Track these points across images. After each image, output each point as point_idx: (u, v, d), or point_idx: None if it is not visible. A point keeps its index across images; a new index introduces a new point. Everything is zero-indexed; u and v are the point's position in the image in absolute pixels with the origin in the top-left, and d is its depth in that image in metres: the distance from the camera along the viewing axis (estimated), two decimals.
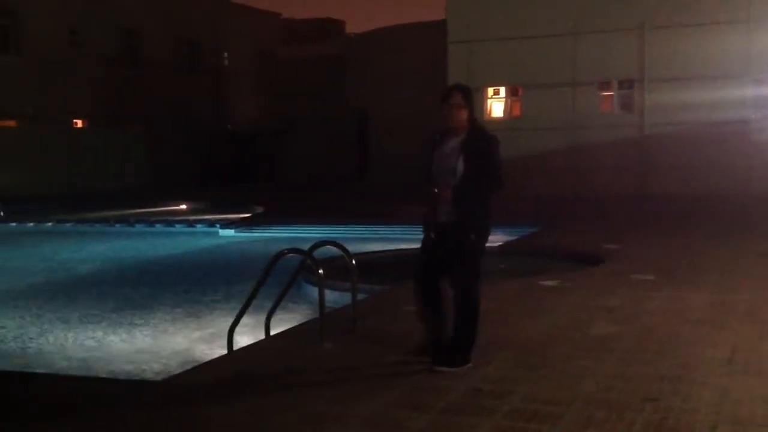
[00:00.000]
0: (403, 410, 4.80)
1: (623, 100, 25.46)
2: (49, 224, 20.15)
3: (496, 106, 27.11)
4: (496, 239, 14.42)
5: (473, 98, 5.65)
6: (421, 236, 5.76)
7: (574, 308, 7.67)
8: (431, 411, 4.76)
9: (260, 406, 4.97)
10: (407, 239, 12.54)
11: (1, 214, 21.68)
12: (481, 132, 5.60)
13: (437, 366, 5.47)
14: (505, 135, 26.72)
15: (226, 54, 42.61)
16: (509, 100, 26.92)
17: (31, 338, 8.43)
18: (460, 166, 5.43)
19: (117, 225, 19.40)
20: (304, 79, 40.76)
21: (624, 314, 7.35)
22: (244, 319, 6.66)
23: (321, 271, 6.52)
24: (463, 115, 5.51)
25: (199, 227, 18.55)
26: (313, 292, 8.51)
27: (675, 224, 15.56)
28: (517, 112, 26.77)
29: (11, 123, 31.67)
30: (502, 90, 26.95)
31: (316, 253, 6.89)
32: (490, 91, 26.89)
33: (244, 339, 6.95)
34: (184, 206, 24.77)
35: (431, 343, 5.71)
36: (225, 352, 6.51)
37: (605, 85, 25.57)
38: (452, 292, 5.63)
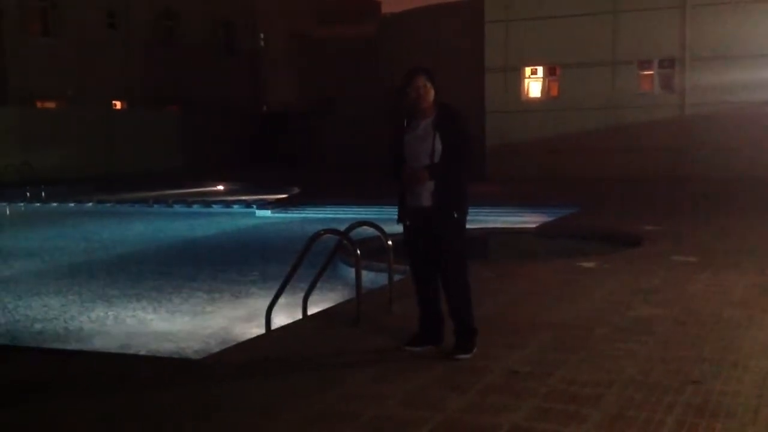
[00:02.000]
0: (440, 390, 4.80)
1: (664, 80, 25.06)
2: (89, 205, 20.42)
3: (533, 86, 26.84)
4: (533, 220, 14.36)
5: (435, 78, 5.56)
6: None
7: (613, 290, 7.60)
8: (469, 392, 4.75)
9: (299, 385, 5.00)
10: None
11: (43, 194, 22.02)
12: (450, 109, 5.55)
13: (457, 355, 5.42)
14: (543, 115, 26.78)
15: (262, 35, 42.68)
16: (547, 80, 26.63)
17: (72, 317, 8.55)
18: (438, 144, 5.38)
19: (155, 205, 19.59)
20: (339, 59, 40.70)
21: (664, 296, 7.26)
22: (282, 299, 6.68)
23: (358, 252, 6.51)
24: (431, 95, 5.49)
25: (235, 208, 18.67)
26: (350, 272, 8.52)
27: (716, 205, 15.32)
28: (555, 92, 26.48)
29: (51, 105, 32.09)
30: (540, 70, 26.66)
31: (353, 233, 6.89)
32: (528, 70, 26.63)
33: (281, 319, 6.98)
34: (221, 187, 24.95)
35: (425, 331, 5.68)
36: (263, 331, 6.55)
37: (645, 65, 25.17)
38: (441, 276, 5.57)
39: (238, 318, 8.24)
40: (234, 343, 6.53)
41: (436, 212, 5.42)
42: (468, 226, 5.62)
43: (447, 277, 5.54)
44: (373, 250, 8.34)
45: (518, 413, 4.38)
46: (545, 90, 26.69)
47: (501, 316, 6.65)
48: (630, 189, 19.38)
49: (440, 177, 5.38)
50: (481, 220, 13.91)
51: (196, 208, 19.01)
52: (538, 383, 4.86)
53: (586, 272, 8.55)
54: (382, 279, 7.59)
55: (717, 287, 7.62)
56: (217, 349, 6.40)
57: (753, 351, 5.48)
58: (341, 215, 15.24)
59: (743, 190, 18.22)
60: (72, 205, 20.58)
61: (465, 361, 5.34)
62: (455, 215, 5.45)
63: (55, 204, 20.84)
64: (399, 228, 5.77)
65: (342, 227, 6.98)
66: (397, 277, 7.22)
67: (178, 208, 19.15)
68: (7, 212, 20.45)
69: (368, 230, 7.20)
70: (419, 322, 5.74)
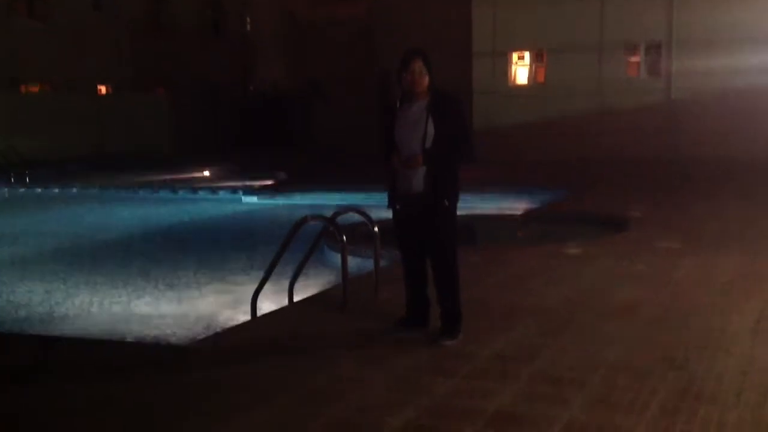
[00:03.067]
0: (426, 375, 4.82)
1: (650, 65, 25.10)
2: (74, 190, 20.30)
3: (520, 71, 26.84)
4: (519, 206, 14.40)
5: (431, 62, 5.45)
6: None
7: (598, 275, 7.63)
8: (455, 376, 4.77)
9: (286, 369, 5.01)
10: None
11: (27, 179, 21.87)
12: (445, 93, 5.48)
13: (443, 341, 5.42)
14: (530, 101, 26.70)
15: (248, 18, 42.42)
16: (534, 65, 26.62)
17: (57, 302, 8.52)
18: (431, 129, 5.30)
19: (141, 191, 19.49)
20: (329, 42, 40.49)
21: (649, 281, 7.30)
22: (268, 286, 6.68)
23: (344, 238, 6.51)
24: (426, 79, 5.38)
25: (221, 194, 18.60)
26: (336, 258, 8.50)
27: (702, 190, 15.40)
28: (541, 78, 26.49)
29: (35, 88, 31.82)
30: (527, 55, 26.65)
31: (340, 219, 6.88)
32: (515, 56, 26.61)
33: (267, 305, 6.98)
34: (207, 173, 24.83)
35: (412, 314, 5.70)
36: (249, 318, 6.55)
37: (632, 49, 25.20)
38: (431, 261, 5.56)
39: (225, 304, 8.23)
40: (220, 329, 6.53)
41: (428, 198, 5.39)
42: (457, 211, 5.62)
43: (437, 262, 5.54)
44: (360, 236, 8.34)
45: (503, 397, 4.41)
46: (532, 75, 26.69)
47: (487, 300, 6.67)
48: (617, 173, 19.44)
49: (434, 162, 5.34)
50: (468, 204, 13.91)
51: (181, 194, 18.92)
52: (524, 367, 4.89)
53: (572, 257, 8.58)
54: (368, 265, 7.59)
55: (701, 272, 7.67)
56: (203, 335, 6.39)
57: (736, 336, 5.52)
58: (329, 201, 15.19)
59: (729, 175, 18.31)
60: (57, 190, 20.46)
61: (451, 346, 5.36)
62: (446, 202, 5.43)
63: (39, 189, 20.71)
64: (386, 214, 5.76)
65: (329, 213, 6.97)
66: (383, 263, 7.23)
67: (163, 193, 19.06)
68: None
69: (355, 216, 7.19)
70: (406, 305, 5.75)
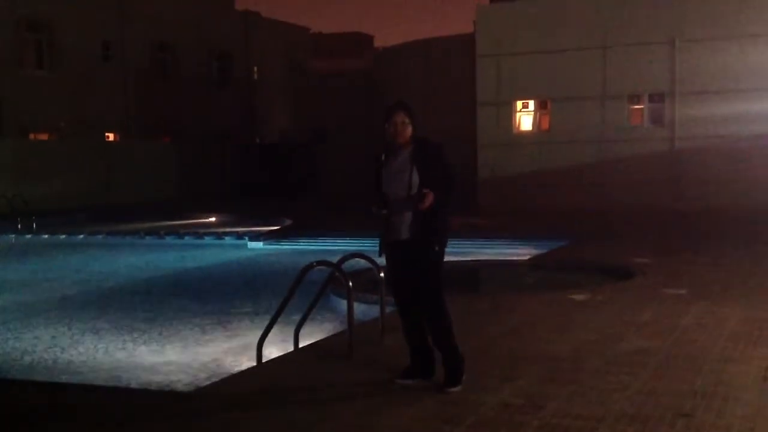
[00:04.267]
0: (433, 423, 4.79)
1: (653, 114, 25.25)
2: (81, 236, 20.35)
3: (524, 119, 27.02)
4: (525, 252, 14.39)
5: (414, 114, 5.60)
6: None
7: (605, 323, 7.60)
8: (461, 425, 4.74)
9: (292, 418, 4.98)
10: None
11: (34, 226, 21.96)
12: (427, 141, 5.59)
13: (447, 388, 5.39)
14: (534, 148, 26.87)
15: (256, 68, 42.91)
16: (538, 114, 26.82)
17: (62, 348, 8.50)
18: (415, 177, 5.41)
19: (147, 237, 19.54)
20: (334, 92, 40.94)
21: (656, 329, 7.27)
22: (273, 332, 6.67)
23: (350, 284, 6.51)
24: (409, 130, 5.53)
25: (227, 239, 18.64)
26: (342, 304, 8.51)
27: (707, 239, 15.38)
28: (546, 125, 26.65)
29: (44, 136, 32.10)
30: (531, 103, 26.87)
31: (345, 265, 6.90)
32: (519, 104, 26.83)
33: (273, 351, 6.96)
34: (213, 219, 24.91)
35: (415, 364, 5.67)
36: (254, 364, 6.52)
37: (635, 99, 25.38)
38: (422, 310, 5.57)
39: (229, 350, 8.20)
40: (225, 375, 6.50)
41: (414, 245, 5.44)
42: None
43: (425, 309, 5.55)
44: (366, 282, 8.34)
45: None
46: (536, 123, 26.87)
47: (494, 347, 6.64)
48: (621, 221, 19.44)
49: (422, 209, 5.34)
50: (473, 252, 13.94)
51: (187, 239, 18.97)
52: (531, 416, 4.85)
53: (579, 305, 8.56)
54: (374, 311, 7.58)
55: (708, 320, 7.63)
56: (207, 382, 6.37)
57: (744, 384, 5.48)
58: (334, 247, 15.22)
59: (734, 223, 18.30)
60: (63, 236, 20.52)
61: (457, 394, 5.33)
62: (436, 248, 5.46)
63: (46, 236, 20.77)
64: None
65: (335, 259, 6.98)
66: (389, 309, 7.21)
67: (169, 239, 19.10)
68: None
69: (361, 262, 7.20)
70: (410, 355, 5.74)
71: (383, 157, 5.62)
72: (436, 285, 5.52)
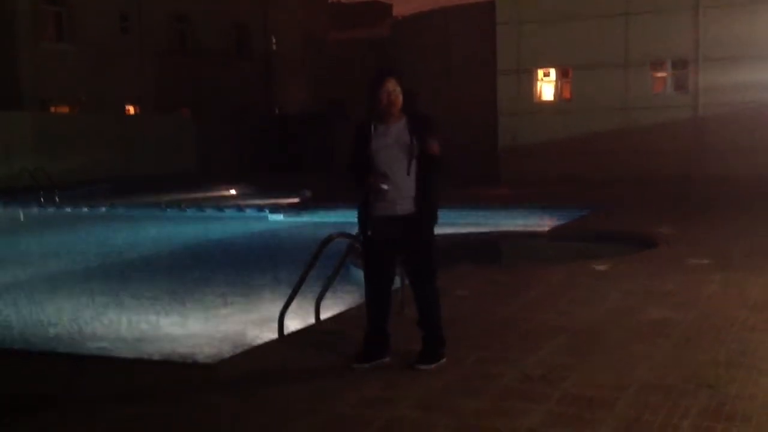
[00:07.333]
0: (454, 395, 4.79)
1: (677, 81, 24.94)
2: (103, 209, 20.48)
3: (546, 88, 26.77)
4: (546, 223, 14.32)
5: (404, 83, 5.35)
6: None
7: (627, 293, 7.56)
8: (482, 396, 4.73)
9: (314, 389, 5.00)
10: (457, 223, 12.49)
11: (57, 199, 22.11)
12: (422, 114, 5.39)
13: (421, 365, 5.29)
14: (556, 117, 26.60)
15: (274, 39, 42.75)
16: (560, 82, 26.55)
17: (86, 321, 8.57)
18: (416, 150, 5.19)
19: (168, 210, 19.63)
20: (352, 62, 40.71)
21: (679, 299, 7.22)
22: (294, 304, 6.68)
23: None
24: (400, 100, 5.26)
25: (248, 212, 18.68)
26: (361, 275, 8.49)
27: (730, 207, 15.23)
28: (567, 94, 26.39)
29: (64, 110, 32.23)
30: (552, 72, 26.60)
31: None
32: (540, 72, 26.56)
33: (294, 323, 6.98)
34: (233, 191, 24.97)
35: (373, 346, 5.50)
36: (276, 336, 6.55)
37: (658, 66, 25.06)
38: (412, 284, 5.48)
39: (251, 322, 8.23)
40: (248, 347, 6.53)
41: (418, 220, 5.28)
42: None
43: (420, 285, 5.44)
44: None
45: (532, 418, 4.37)
46: (558, 92, 26.61)
47: (515, 320, 6.62)
48: (644, 190, 19.29)
49: (423, 182, 5.25)
50: (494, 222, 13.88)
51: (209, 212, 19.04)
52: (553, 387, 4.84)
53: (600, 275, 8.51)
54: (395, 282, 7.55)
55: (732, 290, 7.57)
56: (230, 354, 6.40)
57: None
58: (354, 219, 15.19)
59: (757, 191, 18.10)
60: (85, 209, 20.65)
61: (478, 366, 5.32)
62: (435, 222, 5.37)
63: (68, 209, 20.91)
64: None
65: (354, 230, 6.96)
66: (406, 281, 7.20)
67: (190, 212, 19.18)
68: (21, 217, 20.53)
69: None
70: (366, 337, 5.57)
71: (373, 128, 5.32)
72: (433, 261, 5.41)
